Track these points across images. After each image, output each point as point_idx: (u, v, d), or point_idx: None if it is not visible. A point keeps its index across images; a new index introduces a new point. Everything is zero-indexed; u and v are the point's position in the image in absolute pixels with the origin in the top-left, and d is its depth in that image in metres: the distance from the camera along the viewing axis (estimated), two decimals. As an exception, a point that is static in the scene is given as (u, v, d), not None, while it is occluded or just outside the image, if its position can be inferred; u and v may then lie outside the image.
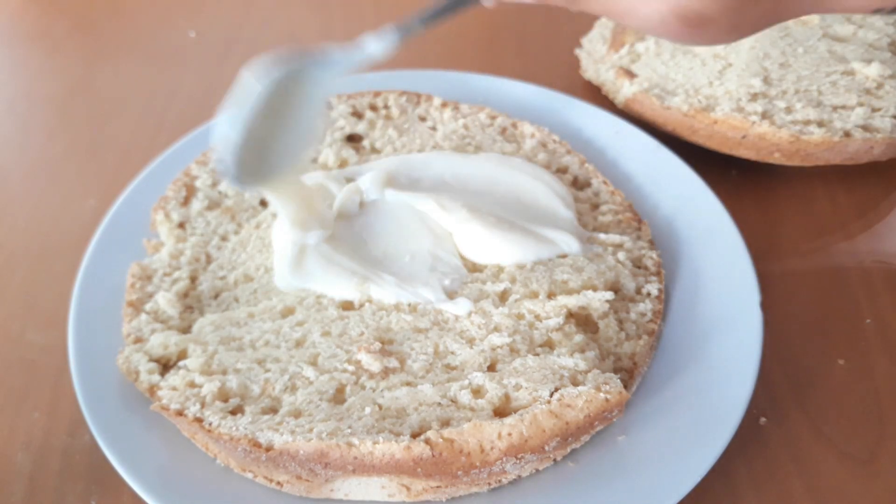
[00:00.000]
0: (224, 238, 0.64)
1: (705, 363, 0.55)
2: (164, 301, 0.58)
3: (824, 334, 0.63)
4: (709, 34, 0.45)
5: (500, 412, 0.48)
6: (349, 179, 0.66)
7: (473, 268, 0.60)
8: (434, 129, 0.75)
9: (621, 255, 0.61)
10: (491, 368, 0.52)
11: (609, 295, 0.56)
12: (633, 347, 0.55)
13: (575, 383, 0.48)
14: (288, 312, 0.58)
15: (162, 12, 1.06)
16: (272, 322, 0.57)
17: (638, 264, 0.62)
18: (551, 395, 0.47)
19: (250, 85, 0.52)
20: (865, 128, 0.70)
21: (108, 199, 0.71)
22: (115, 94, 0.91)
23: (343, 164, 0.71)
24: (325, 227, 0.60)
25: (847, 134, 0.69)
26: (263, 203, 0.68)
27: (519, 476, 0.50)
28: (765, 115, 0.70)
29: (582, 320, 0.56)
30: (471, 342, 0.53)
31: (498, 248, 0.60)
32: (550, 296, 0.56)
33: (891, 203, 0.74)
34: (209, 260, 0.63)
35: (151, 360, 0.54)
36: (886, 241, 0.71)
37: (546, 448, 0.46)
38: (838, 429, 0.56)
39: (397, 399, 0.49)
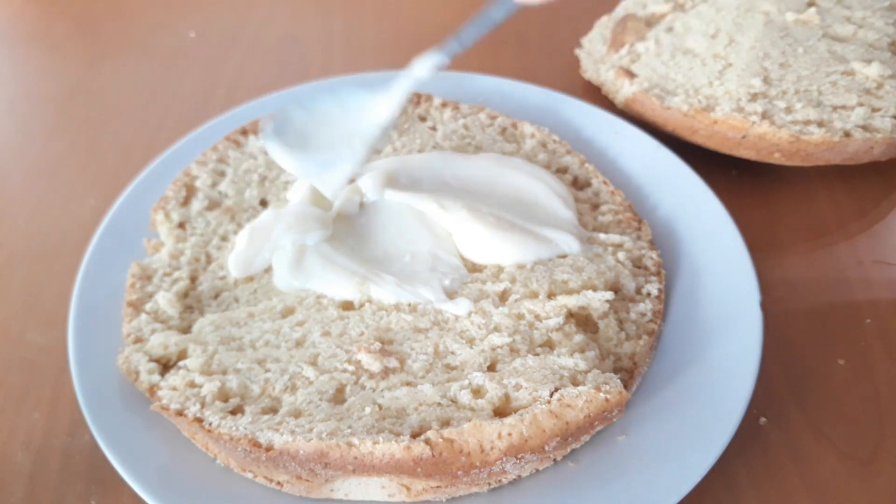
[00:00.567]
0: (224, 238, 0.64)
1: (705, 363, 0.55)
2: (164, 301, 0.58)
3: (824, 334, 0.63)
4: None
5: (500, 412, 0.48)
6: (350, 180, 0.66)
7: (473, 268, 0.60)
8: (434, 129, 0.75)
9: (621, 255, 0.61)
10: (491, 368, 0.52)
11: (609, 295, 0.56)
12: (633, 347, 0.55)
13: (575, 383, 0.48)
14: (288, 312, 0.58)
15: (162, 12, 1.06)
16: (272, 322, 0.57)
17: (638, 264, 0.62)
18: (551, 395, 0.47)
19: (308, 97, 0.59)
20: (865, 128, 0.70)
21: (108, 199, 0.71)
22: (115, 94, 0.91)
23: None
24: (324, 229, 0.60)
25: (847, 134, 0.69)
26: (264, 203, 0.68)
27: (519, 476, 0.50)
28: (765, 115, 0.70)
29: (582, 320, 0.56)
30: (471, 342, 0.53)
31: (498, 248, 0.60)
32: (550, 296, 0.56)
33: (891, 203, 0.74)
34: (209, 260, 0.63)
35: (151, 360, 0.54)
36: (886, 241, 0.71)
37: (546, 448, 0.46)
38: (838, 429, 0.56)
39: (397, 399, 0.49)
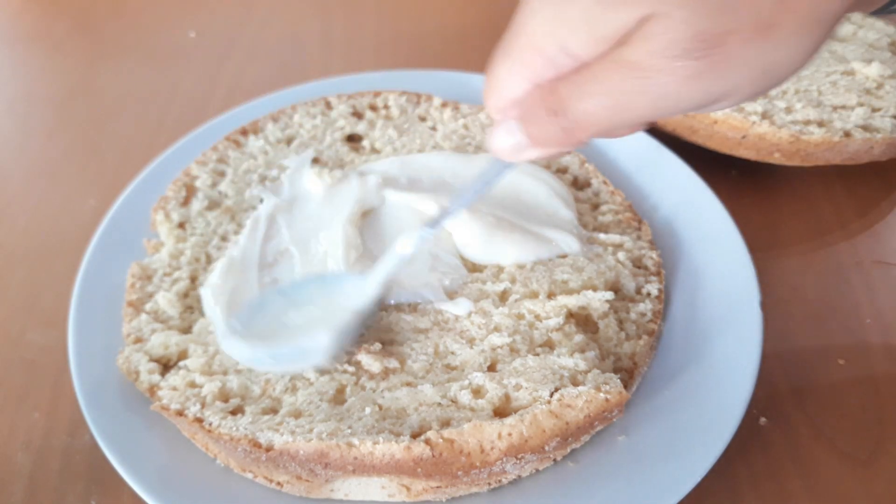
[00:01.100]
0: (224, 238, 0.64)
1: (705, 363, 0.55)
2: (165, 301, 0.58)
3: (824, 334, 0.63)
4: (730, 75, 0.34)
5: (501, 412, 0.48)
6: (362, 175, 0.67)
7: (473, 268, 0.60)
8: (434, 129, 0.75)
9: (621, 255, 0.61)
10: (491, 368, 0.52)
11: (609, 295, 0.56)
12: (633, 347, 0.55)
13: (575, 383, 0.48)
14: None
15: (162, 12, 1.06)
16: (272, 322, 0.57)
17: (638, 264, 0.62)
18: (551, 395, 0.47)
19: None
20: (865, 128, 0.70)
21: (108, 199, 0.71)
22: (115, 94, 0.91)
23: (342, 164, 0.71)
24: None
25: (847, 134, 0.69)
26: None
27: (519, 476, 0.50)
28: (765, 115, 0.70)
29: (582, 320, 0.56)
30: (471, 342, 0.53)
31: (498, 248, 0.60)
32: (550, 296, 0.56)
33: (891, 203, 0.74)
34: (209, 260, 0.63)
35: (151, 360, 0.54)
36: (886, 241, 0.71)
37: (546, 448, 0.45)
38: (838, 429, 0.56)
39: (397, 399, 0.49)
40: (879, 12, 0.49)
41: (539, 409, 0.46)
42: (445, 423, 0.47)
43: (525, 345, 0.53)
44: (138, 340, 0.55)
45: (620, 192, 0.69)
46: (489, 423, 0.45)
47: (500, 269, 0.60)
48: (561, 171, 0.71)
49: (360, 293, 0.52)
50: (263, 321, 0.52)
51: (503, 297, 0.57)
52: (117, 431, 0.51)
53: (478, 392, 0.49)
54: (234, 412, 0.50)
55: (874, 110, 0.72)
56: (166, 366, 0.55)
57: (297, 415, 0.49)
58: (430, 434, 0.45)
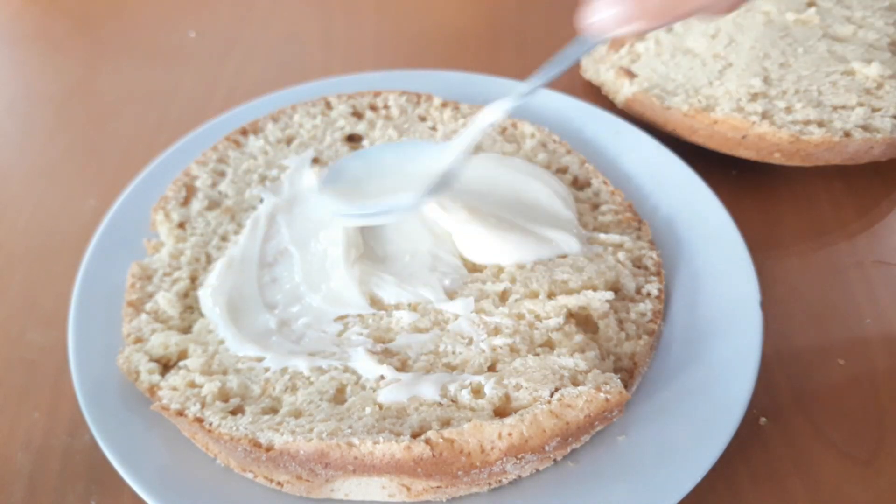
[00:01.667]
0: (224, 238, 0.64)
1: (705, 363, 0.55)
2: (165, 301, 0.58)
3: (824, 334, 0.63)
4: None
5: (501, 412, 0.48)
6: None
7: (473, 268, 0.60)
8: (434, 129, 0.75)
9: (621, 255, 0.61)
10: (491, 368, 0.52)
11: (609, 295, 0.56)
12: (633, 347, 0.55)
13: (575, 383, 0.48)
14: (288, 312, 0.58)
15: (162, 12, 1.06)
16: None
17: (638, 264, 0.62)
18: (551, 395, 0.47)
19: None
20: (865, 128, 0.70)
21: (108, 199, 0.71)
22: (115, 94, 0.91)
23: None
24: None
25: (847, 134, 0.69)
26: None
27: (519, 476, 0.50)
28: (765, 115, 0.70)
29: (582, 320, 0.56)
30: (471, 342, 0.53)
31: (498, 249, 0.60)
32: (550, 296, 0.56)
33: (891, 203, 0.74)
34: (209, 260, 0.62)
35: (152, 360, 0.54)
36: (886, 241, 0.71)
37: (546, 448, 0.45)
38: (838, 429, 0.56)
39: (397, 399, 0.49)
40: None
41: (539, 409, 0.46)
42: (446, 423, 0.47)
43: (525, 345, 0.53)
44: (138, 340, 0.55)
45: (620, 192, 0.69)
46: (489, 422, 0.45)
47: (500, 269, 0.60)
48: (561, 171, 0.71)
49: (444, 156, 0.55)
50: (347, 183, 0.56)
51: (503, 297, 0.57)
52: (117, 431, 0.51)
53: (478, 392, 0.49)
54: (234, 412, 0.50)
55: (874, 110, 0.72)
56: (166, 366, 0.55)
57: (297, 414, 0.49)
58: (431, 434, 0.45)
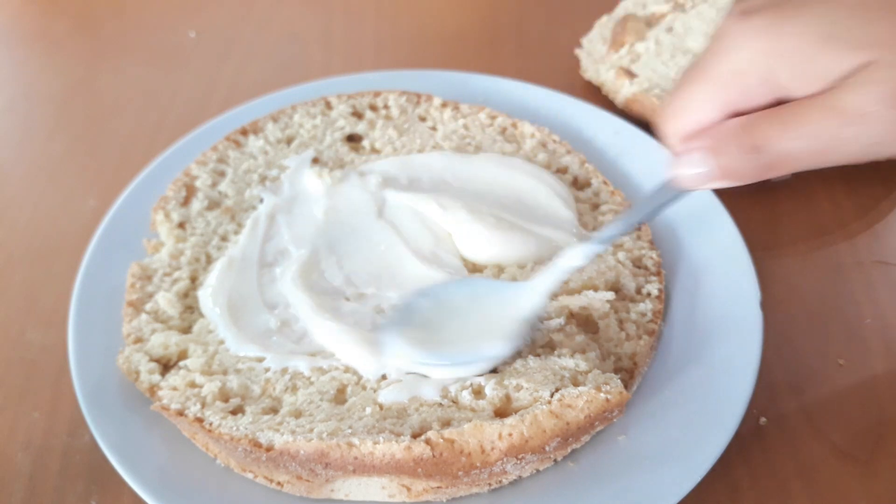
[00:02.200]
0: (224, 238, 0.64)
1: (705, 363, 0.55)
2: (165, 301, 0.58)
3: (824, 334, 0.63)
4: None
5: (501, 412, 0.48)
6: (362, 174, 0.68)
7: (474, 268, 0.60)
8: (434, 129, 0.75)
9: (621, 255, 0.61)
10: (491, 369, 0.52)
11: (610, 295, 0.56)
12: (633, 347, 0.55)
13: (575, 384, 0.48)
14: (288, 312, 0.58)
15: (162, 12, 1.06)
16: (272, 322, 0.57)
17: (638, 264, 0.62)
18: (552, 395, 0.47)
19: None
20: (865, 128, 0.70)
21: (108, 199, 0.71)
22: (115, 94, 0.91)
23: (342, 164, 0.71)
24: None
25: (847, 134, 0.69)
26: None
27: (519, 476, 0.50)
28: (765, 116, 0.70)
29: (582, 320, 0.56)
30: (471, 342, 0.53)
31: (498, 249, 0.60)
32: (551, 296, 0.56)
33: (891, 203, 0.74)
34: (209, 260, 0.62)
35: (152, 360, 0.54)
36: (886, 241, 0.71)
37: (546, 448, 0.46)
38: (838, 429, 0.56)
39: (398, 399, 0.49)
40: None
41: (539, 409, 0.46)
42: (446, 423, 0.47)
43: (526, 345, 0.53)
44: (138, 340, 0.55)
45: (620, 192, 0.69)
46: (490, 423, 0.45)
47: (501, 269, 0.60)
48: (561, 171, 0.71)
49: (525, 302, 0.52)
50: (419, 325, 0.52)
51: (503, 297, 0.57)
52: (117, 431, 0.51)
53: (478, 392, 0.49)
54: (234, 412, 0.50)
55: (874, 110, 0.72)
56: (166, 366, 0.55)
57: (297, 414, 0.49)
58: (431, 434, 0.45)
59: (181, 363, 0.54)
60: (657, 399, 0.54)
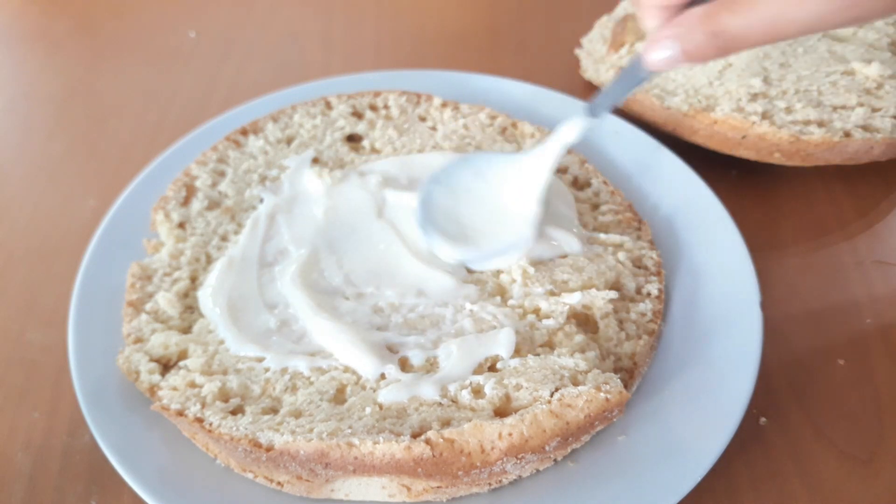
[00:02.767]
0: (224, 238, 0.64)
1: (705, 363, 0.55)
2: (165, 301, 0.58)
3: (824, 334, 0.63)
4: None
5: (501, 412, 0.48)
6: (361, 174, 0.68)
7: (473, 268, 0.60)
8: (434, 129, 0.75)
9: (621, 255, 0.61)
10: (491, 368, 0.52)
11: (612, 294, 0.56)
12: (633, 347, 0.55)
13: (575, 383, 0.48)
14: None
15: (162, 12, 1.06)
16: (272, 322, 0.57)
17: (638, 264, 0.62)
18: (552, 395, 0.47)
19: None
20: (865, 128, 0.70)
21: (108, 199, 0.71)
22: (115, 94, 0.91)
23: (342, 164, 0.71)
24: None
25: (847, 134, 0.69)
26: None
27: (519, 476, 0.50)
28: (765, 116, 0.70)
29: (582, 320, 0.56)
30: (471, 342, 0.53)
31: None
32: (551, 295, 0.56)
33: (891, 203, 0.74)
34: (209, 260, 0.62)
35: (152, 360, 0.54)
36: (886, 241, 0.71)
37: (546, 448, 0.45)
38: (838, 429, 0.56)
39: (398, 399, 0.49)
40: None
41: (539, 408, 0.46)
42: (446, 423, 0.47)
43: (525, 345, 0.53)
44: (138, 340, 0.55)
45: (620, 192, 0.69)
46: (490, 422, 0.45)
47: (499, 271, 0.59)
48: (561, 171, 0.71)
49: (533, 180, 0.57)
50: (443, 219, 0.58)
51: (504, 297, 0.57)
52: (117, 431, 0.51)
53: (478, 392, 0.49)
54: (234, 412, 0.50)
55: (874, 110, 0.72)
56: (166, 366, 0.55)
57: (297, 414, 0.49)
58: (431, 434, 0.45)
59: (181, 363, 0.54)
60: (657, 399, 0.54)
